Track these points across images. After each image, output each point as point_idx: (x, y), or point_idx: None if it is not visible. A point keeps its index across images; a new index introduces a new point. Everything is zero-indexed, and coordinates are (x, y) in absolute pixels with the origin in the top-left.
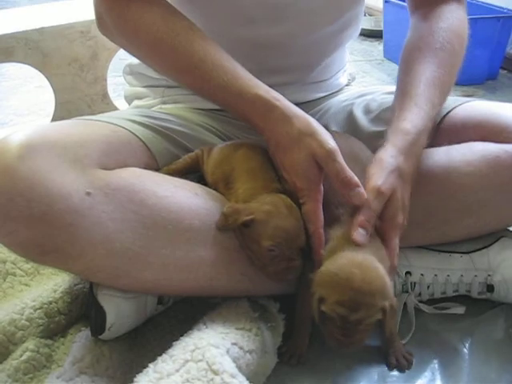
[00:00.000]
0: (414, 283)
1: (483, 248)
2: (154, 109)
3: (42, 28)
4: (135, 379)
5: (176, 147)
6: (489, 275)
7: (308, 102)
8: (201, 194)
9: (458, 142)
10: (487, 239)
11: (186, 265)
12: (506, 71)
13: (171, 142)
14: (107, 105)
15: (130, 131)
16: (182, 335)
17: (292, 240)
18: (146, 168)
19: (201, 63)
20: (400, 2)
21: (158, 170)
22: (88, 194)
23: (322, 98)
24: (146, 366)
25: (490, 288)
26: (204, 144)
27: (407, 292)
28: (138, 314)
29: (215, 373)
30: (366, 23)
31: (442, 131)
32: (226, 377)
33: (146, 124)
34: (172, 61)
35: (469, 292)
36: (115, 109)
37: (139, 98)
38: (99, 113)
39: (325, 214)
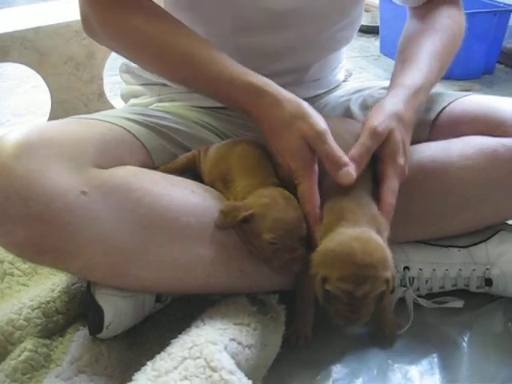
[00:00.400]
0: (413, 278)
1: (481, 242)
2: (150, 107)
3: (38, 27)
4: (133, 378)
5: (172, 145)
6: (487, 269)
7: (305, 98)
8: (198, 192)
9: (456, 137)
10: (485, 233)
11: (184, 263)
12: (502, 65)
13: (167, 140)
14: (104, 104)
15: (125, 129)
16: (180, 333)
17: (292, 231)
18: (142, 166)
19: (190, 57)
20: None
21: (154, 167)
22: (84, 193)
23: (320, 94)
24: (144, 365)
25: (489, 282)
26: (200, 141)
27: (405, 286)
28: (136, 313)
29: (213, 369)
30: (362, 19)
31: (439, 126)
32: (225, 373)
33: (142, 122)
34: (160, 59)
35: (467, 286)
36: (112, 108)
37: (136, 96)
38: (96, 112)
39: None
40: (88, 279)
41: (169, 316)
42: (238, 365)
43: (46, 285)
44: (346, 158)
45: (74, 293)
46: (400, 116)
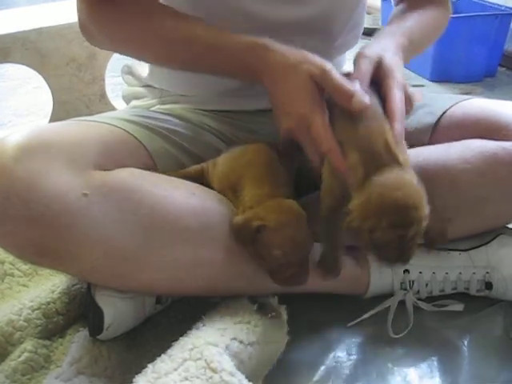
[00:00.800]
0: (413, 281)
1: (482, 245)
2: (152, 109)
3: (40, 28)
4: (134, 380)
5: (174, 147)
6: (487, 272)
7: None
8: (198, 194)
9: (457, 140)
10: (486, 237)
11: (184, 264)
12: (504, 68)
13: (169, 142)
14: (105, 105)
15: (126, 131)
16: (181, 335)
17: (300, 250)
18: (143, 168)
19: (193, 37)
20: None
21: (155, 170)
22: (84, 194)
23: None
24: (144, 367)
25: (489, 285)
26: (202, 144)
27: (406, 290)
28: (137, 314)
29: (214, 371)
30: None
31: (440, 129)
32: (225, 375)
33: (143, 124)
34: (161, 46)
35: (467, 289)
36: (113, 109)
37: (137, 97)
38: (97, 113)
39: None
40: (88, 281)
41: (169, 318)
42: (241, 363)
43: (47, 286)
44: (357, 86)
45: (75, 294)
46: (385, 48)
